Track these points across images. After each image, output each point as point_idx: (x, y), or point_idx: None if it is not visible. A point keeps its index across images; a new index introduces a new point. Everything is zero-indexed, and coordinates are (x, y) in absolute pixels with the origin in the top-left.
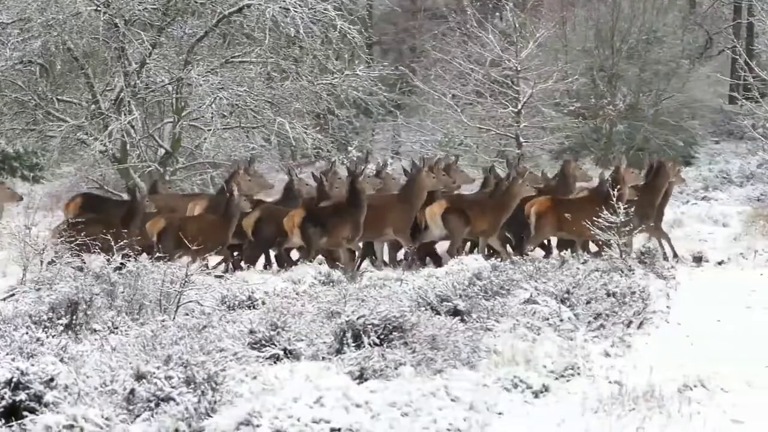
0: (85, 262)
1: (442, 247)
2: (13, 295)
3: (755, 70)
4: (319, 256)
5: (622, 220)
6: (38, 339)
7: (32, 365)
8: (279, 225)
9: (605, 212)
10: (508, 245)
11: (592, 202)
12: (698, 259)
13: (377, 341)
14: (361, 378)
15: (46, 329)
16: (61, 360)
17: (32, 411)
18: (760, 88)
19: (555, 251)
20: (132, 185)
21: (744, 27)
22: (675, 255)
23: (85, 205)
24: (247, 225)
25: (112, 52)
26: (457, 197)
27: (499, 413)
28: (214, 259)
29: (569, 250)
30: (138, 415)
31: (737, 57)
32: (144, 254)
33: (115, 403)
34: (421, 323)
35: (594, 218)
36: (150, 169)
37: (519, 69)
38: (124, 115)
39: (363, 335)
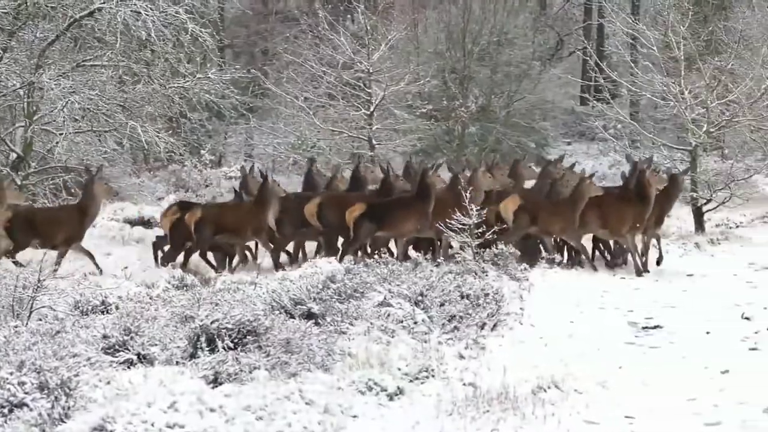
0: None
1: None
2: None
3: (606, 71)
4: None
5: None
6: None
7: None
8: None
9: (458, 214)
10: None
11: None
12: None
13: (231, 345)
14: (216, 382)
15: None
16: None
17: None
18: (610, 89)
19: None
20: None
21: (594, 28)
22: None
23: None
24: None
25: None
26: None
27: (354, 416)
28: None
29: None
30: None
31: (588, 58)
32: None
33: None
34: (275, 327)
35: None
36: (2, 173)
37: (371, 71)
38: None
39: (217, 339)
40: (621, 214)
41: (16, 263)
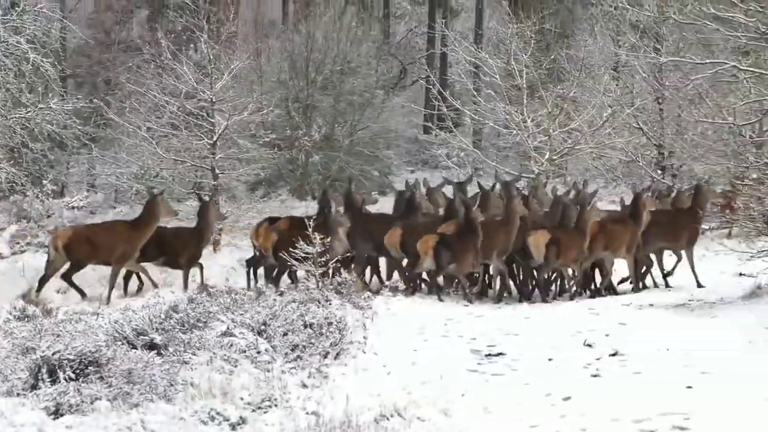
0: None
1: None
2: None
3: (449, 100)
4: None
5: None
6: None
7: None
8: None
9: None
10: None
11: None
12: (395, 289)
13: (73, 376)
14: (57, 413)
15: None
16: None
17: None
18: (453, 117)
19: None
20: None
21: (437, 57)
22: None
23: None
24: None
25: None
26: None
27: None
28: None
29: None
30: None
31: (431, 87)
32: None
33: None
34: (117, 357)
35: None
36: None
37: (214, 101)
38: None
39: (58, 370)
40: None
41: None
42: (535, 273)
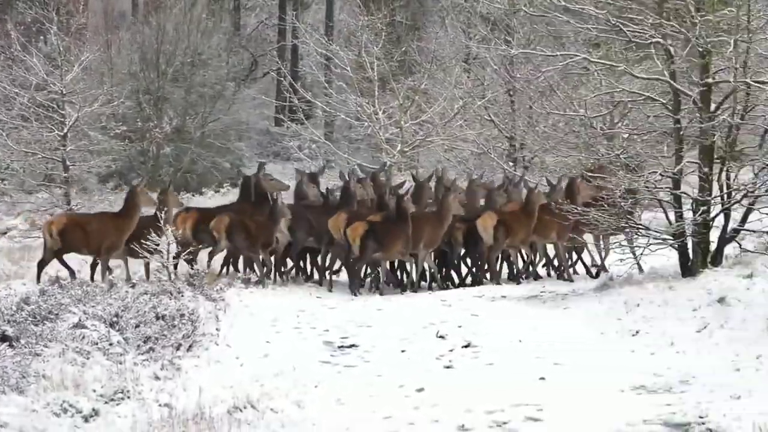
0: None
1: None
2: None
3: (300, 92)
4: None
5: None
6: None
7: None
8: None
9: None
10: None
11: None
12: (247, 281)
13: None
14: None
15: None
16: None
17: None
18: (305, 109)
19: None
20: None
21: (289, 49)
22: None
23: None
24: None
25: None
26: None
27: None
28: None
29: None
30: None
31: (282, 79)
32: None
33: None
34: None
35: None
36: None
37: (64, 92)
38: None
39: None
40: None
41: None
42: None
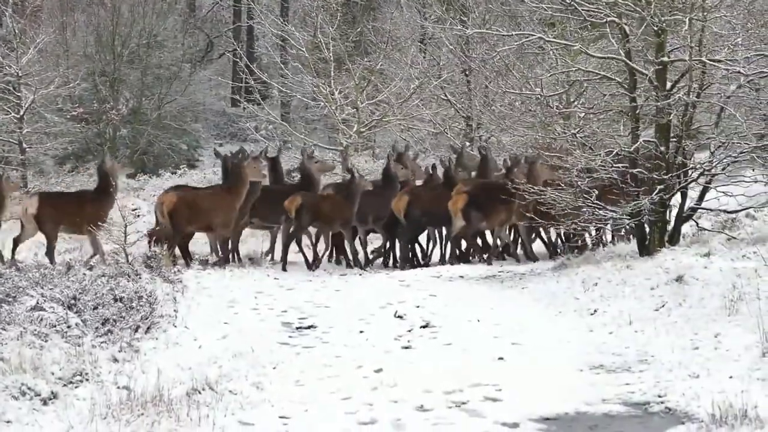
0: None
1: None
2: None
3: (256, 73)
4: None
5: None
6: None
7: None
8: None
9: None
10: None
11: None
12: (205, 262)
13: None
14: None
15: None
16: None
17: None
18: (261, 90)
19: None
20: None
21: (244, 30)
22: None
23: None
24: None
25: None
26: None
27: (8, 421)
28: None
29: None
30: None
31: (238, 60)
32: None
33: None
34: None
35: None
36: None
37: (20, 75)
38: None
39: None
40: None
41: None
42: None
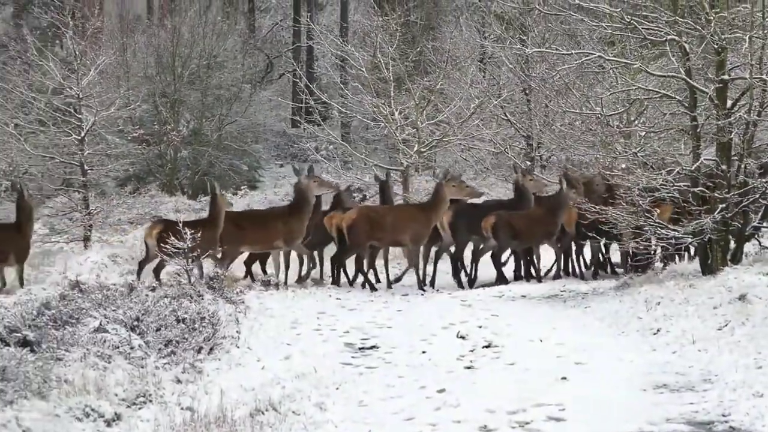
0: None
1: None
2: None
3: (316, 93)
4: None
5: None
6: None
7: None
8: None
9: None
10: None
11: None
12: (267, 283)
13: None
14: None
15: None
16: None
17: None
18: (321, 111)
19: None
20: None
21: (304, 50)
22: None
23: None
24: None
25: None
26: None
27: None
28: None
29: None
30: None
31: (298, 80)
32: None
33: None
34: None
35: None
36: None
37: (81, 96)
38: None
39: None
40: None
41: None
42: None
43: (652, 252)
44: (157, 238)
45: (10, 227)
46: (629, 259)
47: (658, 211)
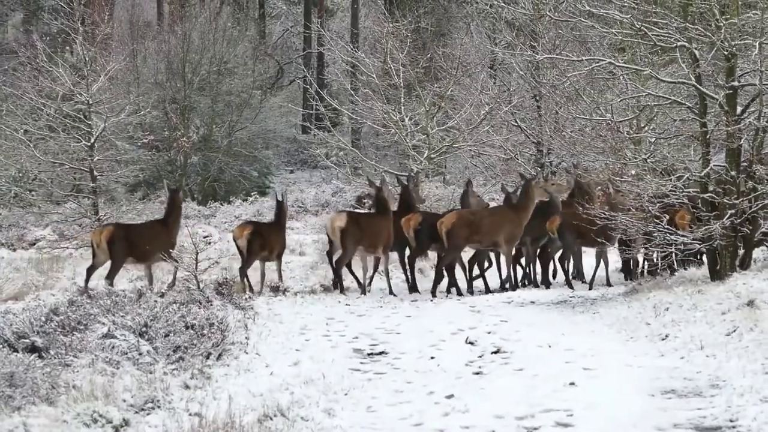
0: None
1: None
2: None
3: (326, 100)
4: None
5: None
6: None
7: None
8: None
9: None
10: None
11: None
12: (276, 289)
13: None
14: None
15: None
16: None
17: None
18: (331, 117)
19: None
20: None
21: (314, 57)
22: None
23: None
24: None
25: None
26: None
27: None
28: None
29: None
30: None
31: (308, 87)
32: None
33: None
34: None
35: None
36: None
37: (91, 103)
38: None
39: None
40: None
41: None
42: None
43: (665, 257)
44: (248, 239)
45: (157, 224)
46: (638, 265)
47: (677, 216)
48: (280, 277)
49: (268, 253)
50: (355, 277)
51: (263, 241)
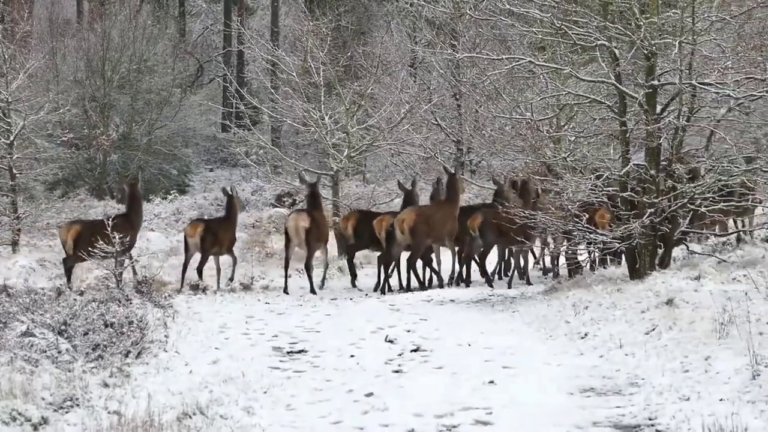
0: None
1: None
2: None
3: (246, 98)
4: None
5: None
6: None
7: None
8: None
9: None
10: None
11: None
12: (196, 287)
13: None
14: None
15: None
16: None
17: None
18: (251, 115)
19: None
20: None
21: (234, 55)
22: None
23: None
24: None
25: None
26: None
27: None
28: None
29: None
30: None
31: (228, 85)
32: None
33: None
34: None
35: None
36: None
37: (10, 100)
38: None
39: None
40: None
41: None
42: None
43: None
44: (201, 237)
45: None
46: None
47: (597, 215)
48: (234, 266)
49: (219, 248)
50: (287, 276)
51: (214, 237)
